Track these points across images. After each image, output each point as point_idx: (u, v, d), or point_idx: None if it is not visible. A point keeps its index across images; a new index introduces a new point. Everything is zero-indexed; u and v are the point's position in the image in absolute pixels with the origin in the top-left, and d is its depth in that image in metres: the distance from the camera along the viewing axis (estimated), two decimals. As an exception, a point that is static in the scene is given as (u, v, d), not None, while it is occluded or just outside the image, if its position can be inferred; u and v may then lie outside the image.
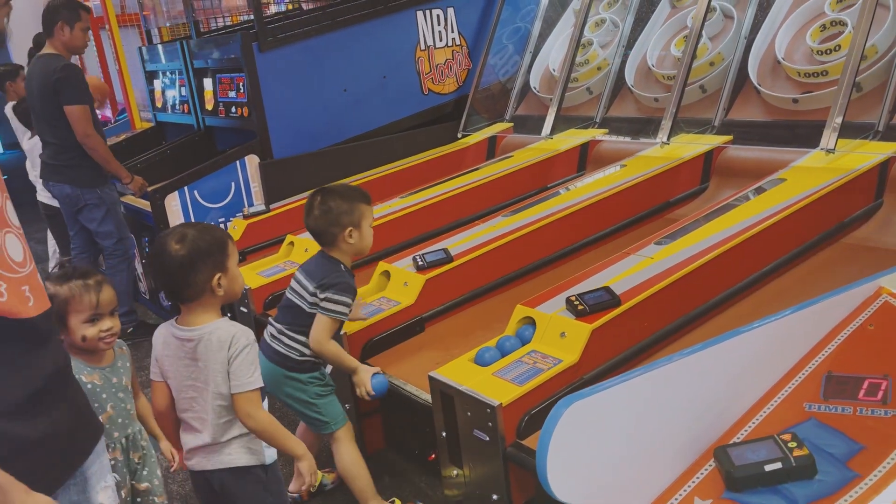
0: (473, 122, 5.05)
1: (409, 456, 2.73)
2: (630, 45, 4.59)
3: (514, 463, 1.96)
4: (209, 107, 4.82)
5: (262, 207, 4.02)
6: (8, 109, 5.21)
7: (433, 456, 2.47)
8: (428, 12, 4.87)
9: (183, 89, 5.09)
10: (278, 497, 1.93)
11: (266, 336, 2.40)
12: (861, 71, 3.33)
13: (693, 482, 1.37)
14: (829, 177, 2.99)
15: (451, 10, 4.99)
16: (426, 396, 2.28)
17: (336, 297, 2.27)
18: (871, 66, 3.40)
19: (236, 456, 1.83)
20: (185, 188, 4.14)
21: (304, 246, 3.37)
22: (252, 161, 4.32)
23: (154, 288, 4.56)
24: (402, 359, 2.67)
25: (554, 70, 4.92)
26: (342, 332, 2.53)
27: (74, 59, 4.45)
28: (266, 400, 1.92)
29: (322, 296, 2.27)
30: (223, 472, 1.84)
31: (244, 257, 3.72)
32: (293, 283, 2.41)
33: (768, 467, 1.29)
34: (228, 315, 3.27)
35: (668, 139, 3.90)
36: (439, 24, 4.94)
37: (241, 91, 4.43)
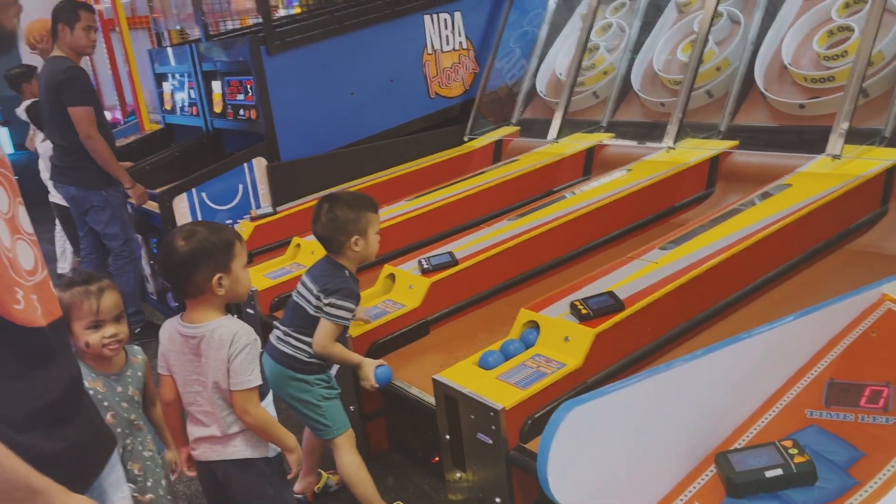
0: (480, 125, 5.06)
1: (412, 458, 2.74)
2: (637, 49, 4.59)
3: (517, 466, 1.97)
4: (217, 109, 4.85)
5: (270, 210, 4.04)
6: (21, 110, 5.26)
7: (436, 458, 2.48)
8: (435, 16, 4.89)
9: (192, 92, 5.12)
10: (280, 490, 1.94)
11: (272, 338, 2.41)
12: (868, 77, 3.33)
13: (694, 487, 1.38)
14: (834, 182, 2.99)
15: (458, 14, 5.01)
16: (430, 399, 2.29)
17: (339, 302, 2.29)
18: (877, 72, 3.40)
19: (240, 448, 1.87)
20: (193, 190, 4.16)
21: (310, 248, 3.39)
22: (259, 163, 4.34)
23: (161, 288, 4.59)
24: (406, 361, 2.68)
25: (560, 74, 4.93)
26: (347, 335, 2.55)
27: (86, 61, 4.49)
28: (269, 396, 1.95)
29: (326, 301, 2.29)
30: (227, 464, 1.88)
31: (251, 259, 3.74)
32: (299, 286, 2.42)
33: (769, 473, 1.30)
34: (234, 315, 3.32)
35: (674, 144, 3.90)
36: (446, 28, 4.96)
37: (250, 94, 4.45)
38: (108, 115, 6.38)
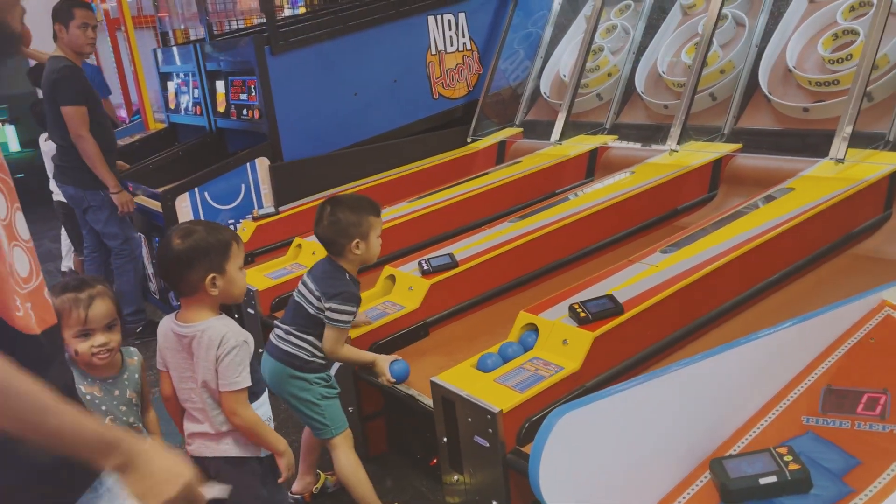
0: (483, 126, 5.06)
1: (411, 460, 2.74)
2: (641, 51, 4.58)
3: (513, 470, 1.96)
4: (221, 109, 4.85)
5: (272, 210, 4.04)
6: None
7: (435, 461, 2.48)
8: (439, 17, 4.88)
9: (196, 91, 5.13)
10: (273, 489, 1.94)
11: (273, 337, 2.42)
12: (872, 80, 3.31)
13: (688, 493, 1.37)
14: (838, 187, 2.97)
15: (462, 15, 5.00)
16: (429, 401, 2.29)
17: (339, 307, 2.31)
18: (882, 76, 3.38)
19: (232, 446, 1.88)
20: (196, 189, 4.17)
21: (311, 249, 3.39)
22: (262, 163, 4.35)
23: (163, 287, 4.60)
24: (407, 363, 2.67)
25: (564, 76, 4.92)
26: (347, 336, 2.55)
27: (92, 60, 4.48)
28: (265, 395, 1.95)
29: (326, 305, 2.31)
30: (219, 461, 1.89)
31: (252, 259, 3.75)
32: (300, 286, 2.43)
33: (763, 480, 1.29)
34: (235, 316, 3.32)
35: (678, 146, 3.89)
36: (450, 29, 4.96)
37: (253, 94, 4.46)
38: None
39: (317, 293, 2.33)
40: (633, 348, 2.29)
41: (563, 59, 5.04)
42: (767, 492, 1.29)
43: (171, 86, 5.55)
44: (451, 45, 4.99)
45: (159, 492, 1.11)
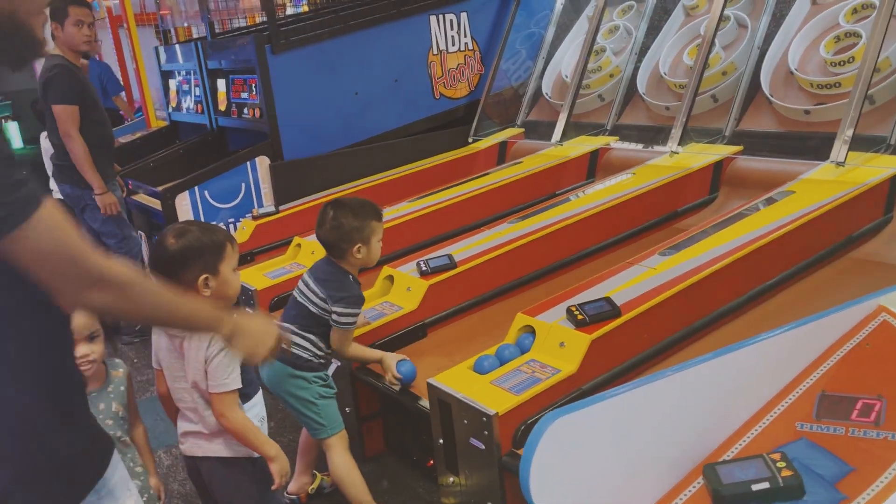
0: (484, 126, 5.05)
1: (408, 461, 2.74)
2: (643, 52, 4.57)
3: (509, 472, 1.95)
4: (222, 107, 4.85)
5: (272, 209, 4.04)
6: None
7: (431, 462, 2.47)
8: (441, 17, 4.88)
9: (197, 89, 5.13)
10: (264, 490, 1.93)
11: None
12: (874, 83, 3.30)
13: (681, 499, 1.37)
14: (837, 190, 2.96)
15: (464, 15, 5.00)
16: (425, 402, 2.28)
17: (346, 310, 2.34)
18: (884, 79, 3.37)
19: (223, 446, 1.87)
20: (196, 188, 4.17)
21: (311, 248, 3.39)
22: (262, 162, 4.35)
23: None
24: (403, 364, 2.68)
25: (566, 76, 4.91)
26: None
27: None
28: (258, 396, 1.95)
29: (333, 308, 2.33)
30: (211, 461, 1.89)
31: (252, 258, 3.75)
32: (301, 285, 2.43)
33: (755, 487, 1.28)
34: (234, 315, 3.32)
35: (678, 148, 3.88)
36: (452, 29, 4.95)
37: (254, 92, 4.46)
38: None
39: (321, 295, 2.34)
40: (631, 351, 2.28)
41: (566, 60, 5.03)
42: (760, 498, 1.28)
43: (173, 84, 5.55)
44: (453, 44, 4.99)
45: (262, 345, 1.46)
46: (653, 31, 4.61)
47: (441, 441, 2.18)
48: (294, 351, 2.34)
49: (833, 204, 2.89)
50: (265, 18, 4.90)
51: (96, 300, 1.10)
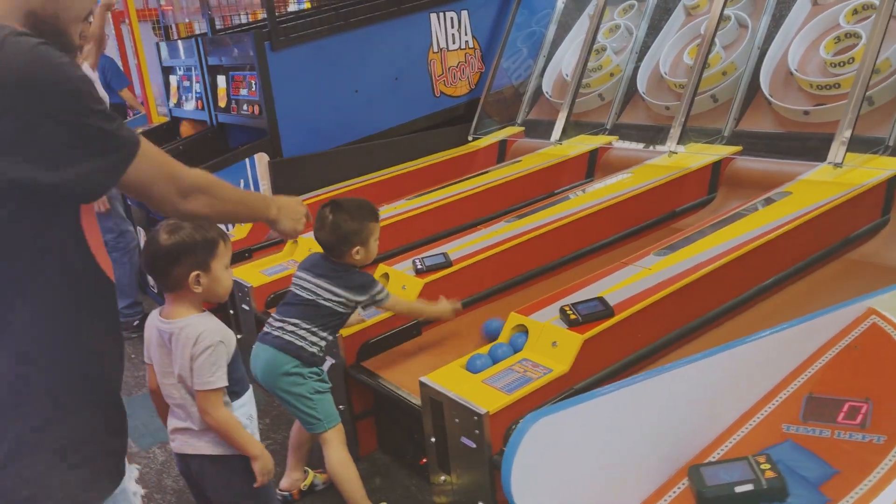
0: (485, 125, 5.05)
1: (401, 459, 2.74)
2: (643, 51, 4.56)
3: (499, 471, 1.95)
4: (222, 104, 4.86)
5: (270, 205, 4.04)
6: None
7: (424, 460, 2.48)
8: (442, 14, 4.87)
9: (197, 85, 5.13)
10: (253, 487, 1.94)
11: (272, 329, 2.41)
12: (873, 85, 3.29)
13: (665, 500, 1.37)
14: (834, 191, 2.96)
15: (465, 13, 4.99)
16: (418, 401, 2.28)
17: (374, 291, 2.44)
18: (883, 80, 3.36)
19: (214, 444, 1.87)
20: (195, 184, 4.16)
21: (307, 245, 3.38)
22: (261, 159, 4.34)
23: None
24: (398, 362, 2.68)
25: (567, 75, 4.90)
26: (338, 334, 2.55)
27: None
28: (248, 394, 1.96)
29: (365, 298, 2.43)
30: (201, 458, 1.90)
31: (250, 254, 3.75)
32: (300, 281, 2.44)
33: (739, 489, 1.28)
34: (231, 311, 3.32)
35: (677, 148, 3.88)
36: (453, 27, 4.95)
37: (253, 89, 4.46)
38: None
39: (330, 288, 2.38)
40: (623, 351, 2.28)
41: (566, 59, 5.03)
42: (743, 500, 1.28)
43: (174, 80, 5.56)
44: (454, 42, 4.98)
45: (298, 218, 1.78)
46: (653, 30, 4.60)
47: (433, 440, 2.18)
48: (299, 344, 2.34)
49: (829, 206, 2.88)
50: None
51: (192, 206, 1.31)
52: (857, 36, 3.57)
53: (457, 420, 2.05)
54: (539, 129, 4.81)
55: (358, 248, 2.40)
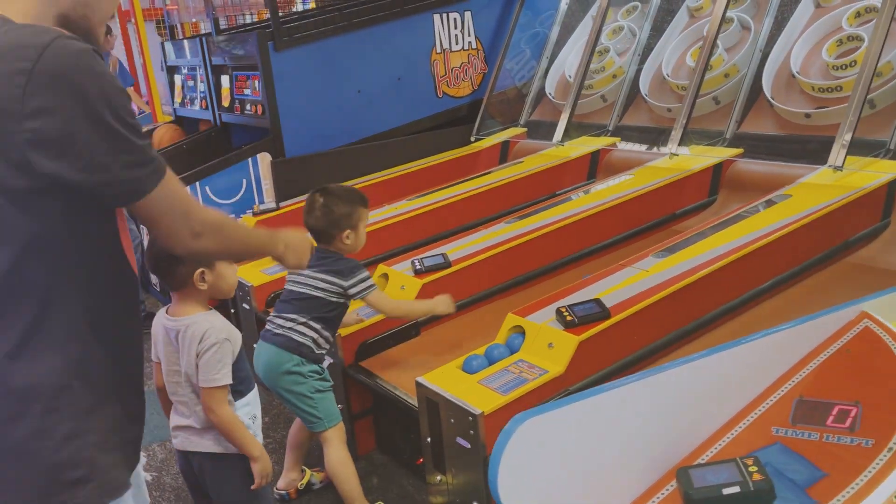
0: (487, 126, 5.06)
1: (398, 459, 2.75)
2: (646, 53, 4.56)
3: (493, 472, 1.96)
4: (226, 103, 4.88)
5: (273, 205, 4.06)
6: None
7: (421, 460, 2.48)
8: (445, 15, 4.89)
9: (202, 85, 5.16)
10: (250, 488, 1.95)
11: (274, 326, 2.42)
12: (875, 88, 3.29)
13: (653, 502, 1.37)
14: (833, 195, 2.95)
15: (468, 14, 5.00)
16: (414, 401, 2.29)
17: (356, 277, 2.39)
18: (885, 84, 3.35)
19: (216, 441, 1.89)
20: (197, 183, 4.19)
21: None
22: (264, 159, 4.36)
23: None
24: (396, 362, 2.69)
25: (570, 76, 4.90)
26: (337, 334, 2.57)
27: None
28: (252, 394, 1.97)
29: (348, 284, 2.38)
30: (202, 456, 1.91)
31: (250, 254, 3.76)
32: (295, 276, 2.45)
33: (726, 490, 1.29)
34: (232, 311, 3.34)
35: (679, 150, 3.88)
36: (456, 28, 4.96)
37: (257, 89, 4.48)
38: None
39: (318, 276, 2.37)
40: (619, 353, 2.28)
41: (570, 60, 5.03)
42: (730, 502, 1.28)
43: (178, 79, 5.58)
44: (457, 43, 4.99)
45: (304, 253, 1.75)
46: (656, 32, 4.59)
47: (429, 440, 2.19)
48: (299, 340, 2.36)
49: (828, 209, 2.87)
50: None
51: (202, 245, 1.28)
52: (859, 39, 3.56)
53: (452, 420, 2.05)
54: (541, 131, 4.82)
55: (348, 231, 2.40)
